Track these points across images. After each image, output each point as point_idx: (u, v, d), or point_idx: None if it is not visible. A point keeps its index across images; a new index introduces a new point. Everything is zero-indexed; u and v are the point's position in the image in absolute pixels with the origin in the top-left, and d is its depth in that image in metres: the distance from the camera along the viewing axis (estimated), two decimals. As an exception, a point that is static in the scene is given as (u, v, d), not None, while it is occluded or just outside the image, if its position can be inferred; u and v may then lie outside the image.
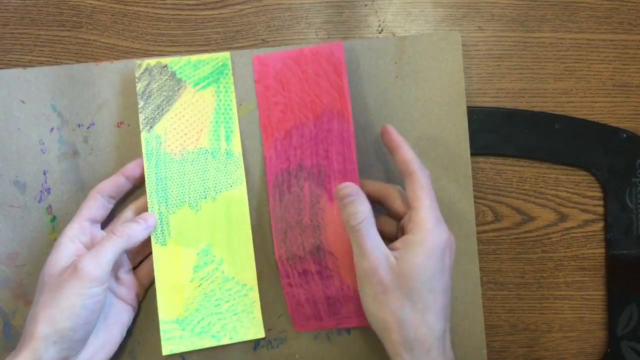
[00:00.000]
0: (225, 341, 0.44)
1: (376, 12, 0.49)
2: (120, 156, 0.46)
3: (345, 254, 0.44)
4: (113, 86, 0.47)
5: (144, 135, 0.45)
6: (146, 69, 0.45)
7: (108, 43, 0.49)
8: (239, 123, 0.46)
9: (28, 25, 0.49)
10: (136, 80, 0.45)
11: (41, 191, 0.46)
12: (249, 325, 0.45)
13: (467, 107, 0.46)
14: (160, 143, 0.45)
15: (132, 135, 0.47)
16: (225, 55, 0.46)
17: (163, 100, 0.45)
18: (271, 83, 0.45)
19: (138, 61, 0.45)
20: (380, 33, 0.49)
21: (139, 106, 0.45)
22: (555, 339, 0.48)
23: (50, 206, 0.46)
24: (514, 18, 0.49)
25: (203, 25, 0.48)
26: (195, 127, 0.45)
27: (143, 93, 0.45)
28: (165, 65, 0.45)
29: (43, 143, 0.47)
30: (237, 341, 0.45)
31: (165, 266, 0.44)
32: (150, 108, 0.45)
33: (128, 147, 0.46)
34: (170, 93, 0.45)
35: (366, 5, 0.49)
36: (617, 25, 0.49)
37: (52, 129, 0.47)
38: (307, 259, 0.44)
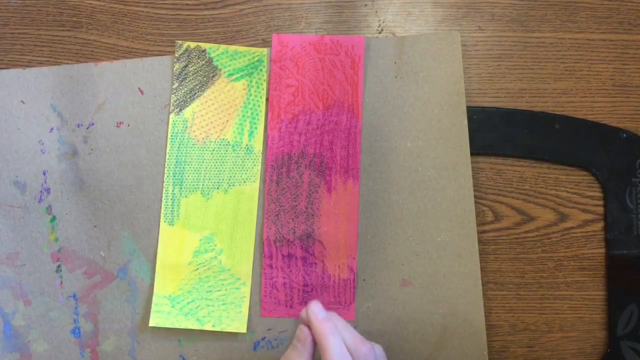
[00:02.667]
0: (207, 327, 0.45)
1: (376, 12, 0.49)
2: (119, 156, 0.47)
3: (334, 245, 0.45)
4: (113, 86, 0.47)
5: (172, 117, 0.46)
6: (186, 50, 0.46)
7: (108, 43, 0.49)
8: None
9: (28, 25, 0.49)
10: (175, 60, 0.46)
11: (41, 191, 0.46)
12: (234, 318, 0.45)
13: (467, 107, 0.46)
14: (186, 127, 0.46)
15: (131, 135, 0.47)
16: (262, 51, 0.46)
17: (196, 85, 0.46)
18: (287, 64, 0.46)
19: (179, 41, 0.46)
20: (380, 33, 0.48)
21: (173, 87, 0.46)
22: (555, 339, 0.48)
23: (50, 206, 0.46)
24: (514, 18, 0.49)
25: (203, 25, 0.48)
26: (222, 117, 0.46)
27: (179, 75, 0.46)
28: (204, 50, 0.46)
29: (43, 143, 0.47)
30: (219, 330, 0.45)
31: (169, 245, 0.46)
32: (183, 91, 0.46)
33: (127, 147, 0.47)
34: (205, 79, 0.46)
35: (366, 5, 0.49)
36: (617, 25, 0.49)
37: (51, 129, 0.47)
38: (295, 244, 0.45)
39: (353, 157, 0.45)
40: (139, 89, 0.47)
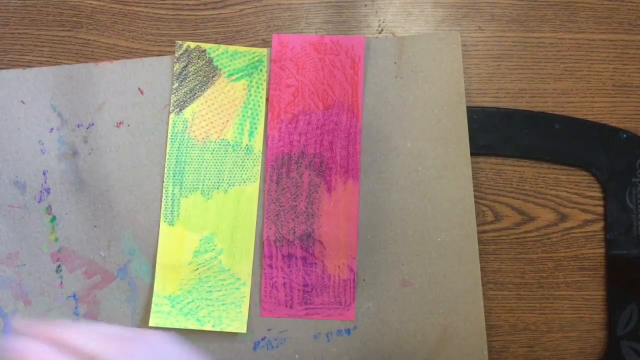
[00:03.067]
0: (207, 327, 0.45)
1: (376, 12, 0.49)
2: (119, 156, 0.46)
3: (333, 245, 0.45)
4: (113, 86, 0.47)
5: (172, 117, 0.46)
6: (186, 50, 0.46)
7: (108, 43, 0.49)
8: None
9: (28, 25, 0.49)
10: (174, 60, 0.46)
11: (41, 191, 0.46)
12: (234, 318, 0.45)
13: (467, 107, 0.46)
14: (186, 127, 0.46)
15: (131, 135, 0.47)
16: (262, 51, 0.46)
17: (196, 85, 0.46)
18: (287, 64, 0.46)
19: (179, 42, 0.46)
20: (380, 33, 0.48)
21: (173, 87, 0.46)
22: (555, 339, 0.48)
23: (50, 206, 0.46)
24: (514, 18, 0.49)
25: (203, 25, 0.48)
26: (222, 118, 0.46)
27: (179, 75, 0.46)
28: (204, 50, 0.46)
29: (43, 143, 0.47)
30: (218, 330, 0.45)
31: (169, 245, 0.46)
32: (183, 91, 0.46)
33: (127, 147, 0.47)
34: (205, 79, 0.46)
35: (366, 5, 0.49)
36: (617, 25, 0.49)
37: (51, 129, 0.47)
38: (295, 244, 0.45)
39: (353, 157, 0.45)
40: (139, 89, 0.47)
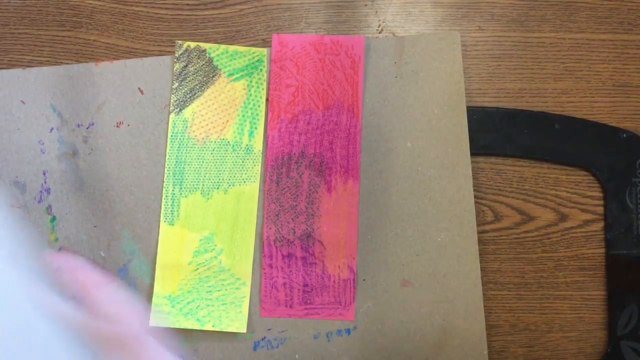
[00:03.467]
0: (207, 327, 0.45)
1: (376, 12, 0.49)
2: (119, 156, 0.47)
3: (333, 245, 0.45)
4: (113, 86, 0.47)
5: (172, 117, 0.46)
6: (186, 50, 0.46)
7: (108, 43, 0.49)
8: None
9: (28, 25, 0.49)
10: (174, 60, 0.46)
11: (41, 191, 0.46)
12: (234, 318, 0.45)
13: (467, 107, 0.46)
14: (186, 127, 0.46)
15: (131, 135, 0.47)
16: (262, 51, 0.46)
17: (196, 85, 0.46)
18: (287, 64, 0.46)
19: (179, 41, 0.46)
20: (380, 33, 0.49)
21: (173, 87, 0.46)
22: (555, 339, 0.48)
23: (50, 206, 0.46)
24: (514, 18, 0.49)
25: (203, 25, 0.48)
26: (222, 118, 0.46)
27: (179, 74, 0.46)
28: (204, 50, 0.46)
29: (43, 143, 0.47)
30: (218, 330, 0.45)
31: (169, 245, 0.46)
32: (183, 91, 0.46)
33: (127, 147, 0.47)
34: (205, 79, 0.46)
35: (366, 5, 0.49)
36: (617, 25, 0.49)
37: (51, 129, 0.47)
38: (295, 244, 0.45)
39: (353, 157, 0.45)
40: (139, 89, 0.47)
